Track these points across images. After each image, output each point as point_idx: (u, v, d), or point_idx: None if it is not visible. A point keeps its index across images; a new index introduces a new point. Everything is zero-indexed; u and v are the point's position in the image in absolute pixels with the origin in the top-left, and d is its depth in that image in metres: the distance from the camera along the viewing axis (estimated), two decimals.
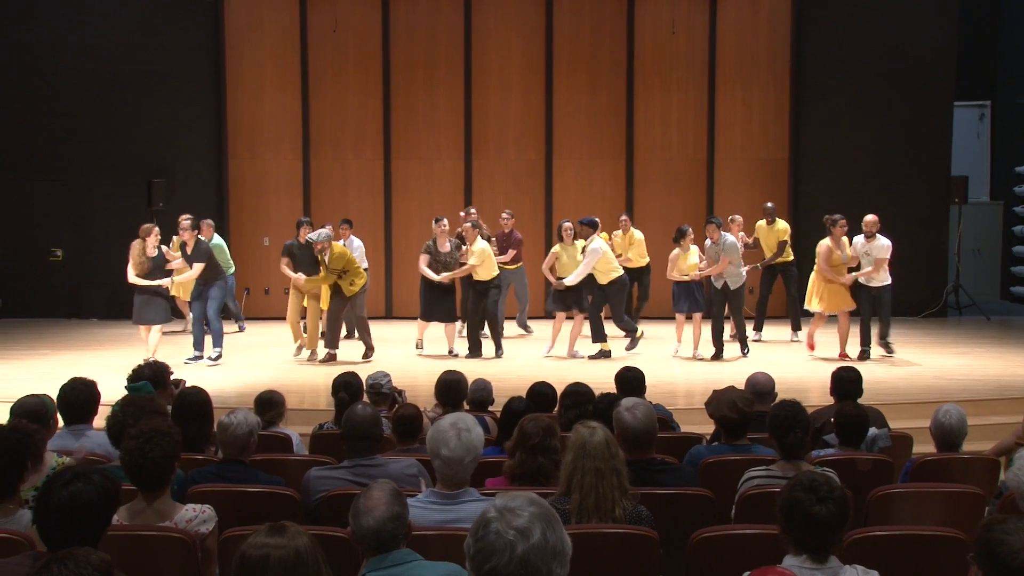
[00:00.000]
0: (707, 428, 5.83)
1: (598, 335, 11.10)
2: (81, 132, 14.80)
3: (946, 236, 15.32)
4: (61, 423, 5.26)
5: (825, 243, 10.88)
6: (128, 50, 14.68)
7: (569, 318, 11.33)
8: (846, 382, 6.21)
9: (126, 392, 5.39)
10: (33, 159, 14.85)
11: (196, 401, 5.40)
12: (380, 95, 15.01)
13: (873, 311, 10.86)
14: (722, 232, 11.01)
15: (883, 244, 10.71)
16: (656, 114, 15.13)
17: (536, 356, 11.23)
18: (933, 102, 15.05)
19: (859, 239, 10.92)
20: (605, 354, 11.01)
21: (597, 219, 11.36)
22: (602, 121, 15.11)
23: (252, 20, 14.98)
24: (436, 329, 11.49)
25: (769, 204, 12.92)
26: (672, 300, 11.29)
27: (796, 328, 12.54)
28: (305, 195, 15.02)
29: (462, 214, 12.58)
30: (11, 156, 14.83)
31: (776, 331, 12.73)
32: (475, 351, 11.17)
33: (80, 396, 5.30)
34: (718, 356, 10.97)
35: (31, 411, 4.86)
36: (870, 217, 10.84)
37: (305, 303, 11.17)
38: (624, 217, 13.08)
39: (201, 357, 10.76)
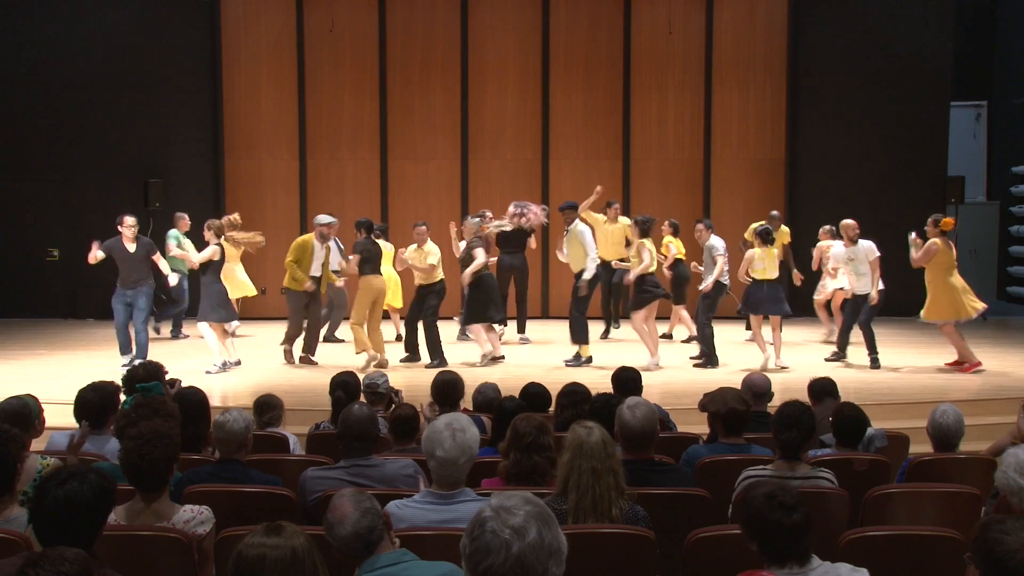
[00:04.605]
0: (705, 429, 5.82)
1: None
2: (77, 132, 14.77)
3: None
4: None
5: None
6: (125, 50, 14.67)
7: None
8: (817, 389, 6.49)
9: (138, 392, 5.32)
10: (29, 159, 14.81)
11: (194, 402, 5.39)
12: (376, 95, 14.99)
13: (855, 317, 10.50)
14: (712, 234, 10.70)
15: (868, 247, 10.34)
16: (652, 114, 15.13)
17: (533, 358, 11.20)
18: (930, 102, 15.06)
19: (837, 244, 10.82)
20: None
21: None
22: (598, 121, 15.11)
23: (248, 20, 14.96)
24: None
25: (774, 212, 12.95)
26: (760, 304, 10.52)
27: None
28: (301, 195, 15.01)
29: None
30: (7, 156, 14.79)
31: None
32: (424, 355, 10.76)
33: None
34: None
35: (13, 413, 4.76)
36: (849, 221, 10.56)
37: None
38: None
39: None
